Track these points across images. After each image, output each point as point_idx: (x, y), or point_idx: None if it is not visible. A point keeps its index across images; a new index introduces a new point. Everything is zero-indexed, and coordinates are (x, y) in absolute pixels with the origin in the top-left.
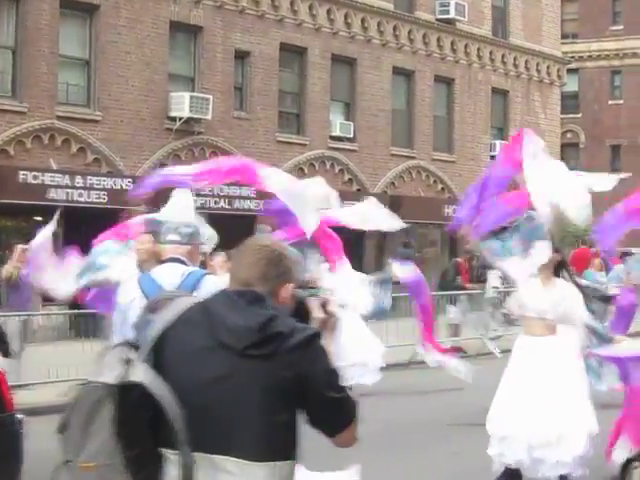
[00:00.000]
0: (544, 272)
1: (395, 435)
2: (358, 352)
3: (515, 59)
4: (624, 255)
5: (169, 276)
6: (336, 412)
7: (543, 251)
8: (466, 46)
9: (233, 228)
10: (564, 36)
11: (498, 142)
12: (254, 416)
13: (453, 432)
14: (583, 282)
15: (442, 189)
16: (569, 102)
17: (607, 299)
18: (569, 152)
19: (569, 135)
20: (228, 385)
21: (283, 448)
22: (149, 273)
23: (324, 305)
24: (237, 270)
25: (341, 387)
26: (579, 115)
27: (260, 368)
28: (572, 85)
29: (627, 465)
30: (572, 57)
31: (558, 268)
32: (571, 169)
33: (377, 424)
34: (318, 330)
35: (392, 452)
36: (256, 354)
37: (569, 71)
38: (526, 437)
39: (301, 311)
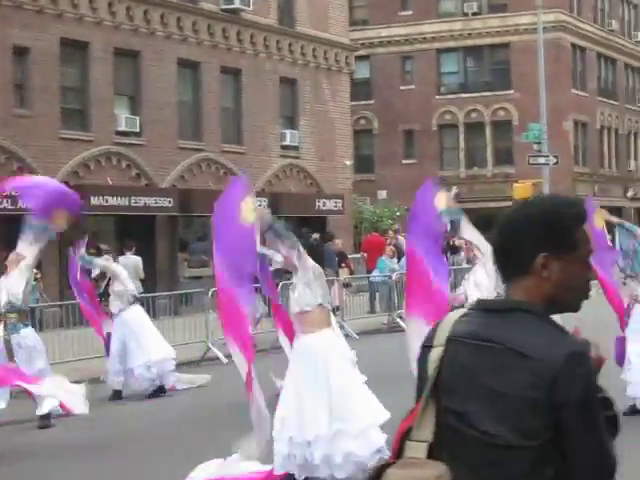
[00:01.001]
0: None
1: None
2: None
3: (302, 47)
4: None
5: None
6: None
7: None
8: (252, 36)
9: (17, 229)
10: (354, 23)
11: (289, 132)
12: None
13: None
14: None
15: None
16: (361, 89)
17: None
18: (363, 139)
19: (362, 122)
20: None
21: None
22: None
23: None
24: None
25: None
26: (372, 102)
27: None
28: (364, 72)
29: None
30: (362, 44)
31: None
32: (366, 156)
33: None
34: None
35: None
36: None
37: (360, 58)
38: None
39: None
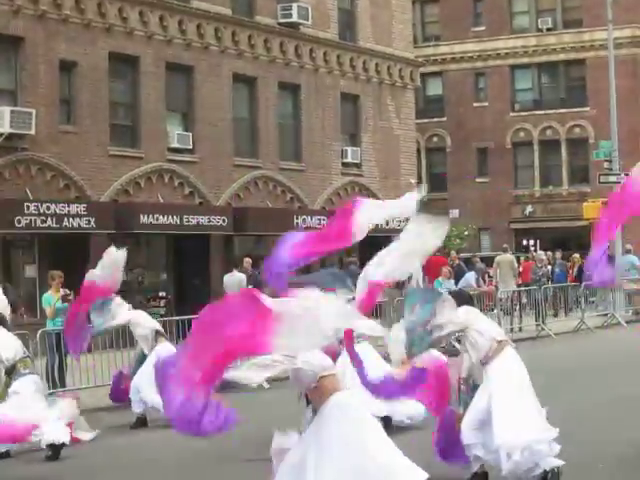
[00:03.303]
0: None
1: None
2: None
3: (365, 63)
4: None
5: None
6: None
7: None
8: (311, 50)
9: (64, 248)
10: (426, 39)
11: (350, 149)
12: None
13: None
14: None
15: (291, 199)
16: (434, 105)
17: None
18: (436, 156)
19: (435, 139)
20: None
21: None
22: None
23: None
24: None
25: None
26: (444, 119)
27: None
28: (436, 88)
29: None
30: (435, 60)
31: None
32: (439, 173)
33: None
34: None
35: None
36: None
37: (433, 74)
38: None
39: None
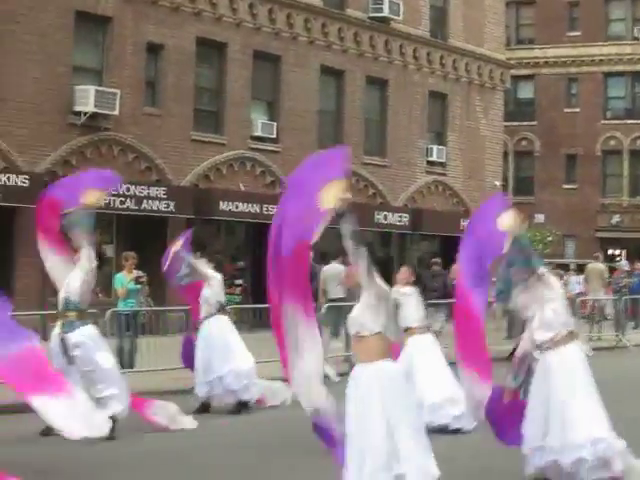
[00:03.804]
0: None
1: None
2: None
3: (455, 61)
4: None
5: None
6: None
7: None
8: (401, 46)
9: (142, 230)
10: (520, 42)
11: (435, 147)
12: None
13: None
14: None
15: (374, 194)
16: (525, 109)
17: None
18: (524, 160)
19: (524, 143)
20: None
21: None
22: None
23: None
24: None
25: None
26: (534, 123)
27: None
28: (528, 92)
29: None
30: (527, 63)
31: None
32: (525, 178)
33: None
34: None
35: None
36: None
37: (525, 77)
38: None
39: None
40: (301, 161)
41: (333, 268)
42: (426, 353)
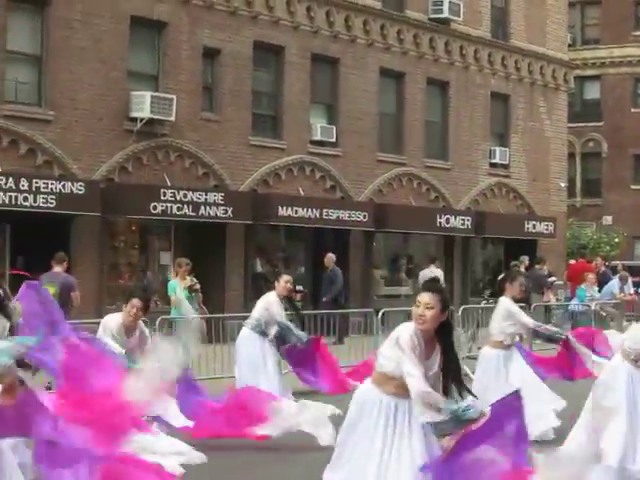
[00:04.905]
0: None
1: None
2: None
3: (517, 62)
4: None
5: None
6: None
7: None
8: (462, 47)
9: (200, 237)
10: (585, 42)
11: (498, 149)
12: None
13: None
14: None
15: (436, 197)
16: (591, 110)
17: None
18: (591, 161)
19: (591, 144)
20: None
21: None
22: None
23: None
24: None
25: None
26: (601, 124)
27: None
28: (594, 92)
29: None
30: (593, 63)
31: None
32: (593, 179)
33: None
34: None
35: None
36: None
37: (591, 78)
38: None
39: None
40: (360, 165)
41: (431, 272)
42: None
